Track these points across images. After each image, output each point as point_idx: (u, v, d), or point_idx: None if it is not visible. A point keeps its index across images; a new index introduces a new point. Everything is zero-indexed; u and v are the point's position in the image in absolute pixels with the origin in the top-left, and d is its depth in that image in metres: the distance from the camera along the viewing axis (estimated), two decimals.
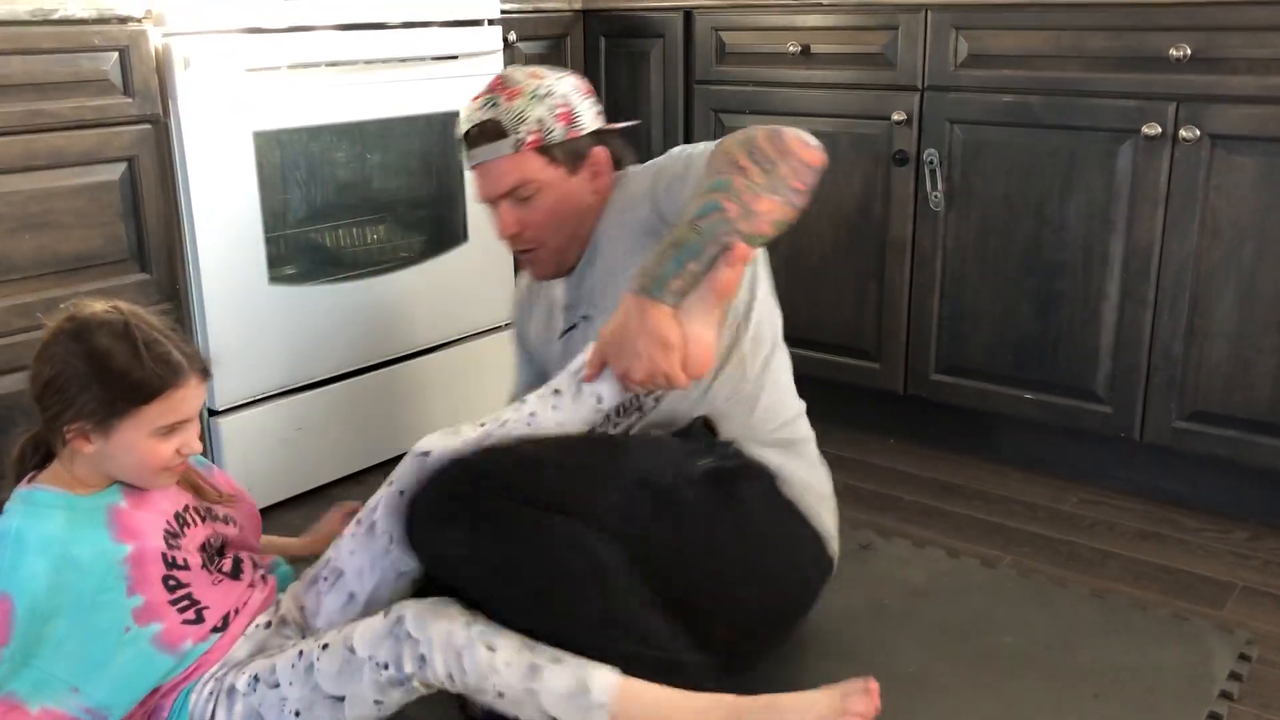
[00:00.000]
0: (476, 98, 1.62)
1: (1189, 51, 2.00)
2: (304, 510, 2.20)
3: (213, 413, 2.14)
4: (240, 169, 2.09)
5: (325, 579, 1.43)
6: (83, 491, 1.33)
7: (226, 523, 1.48)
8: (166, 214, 2.01)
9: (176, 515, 1.39)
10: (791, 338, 2.68)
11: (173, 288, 2.05)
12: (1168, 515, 2.18)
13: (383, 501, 1.40)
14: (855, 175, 2.44)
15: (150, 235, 2.00)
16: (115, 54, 1.89)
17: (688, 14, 2.63)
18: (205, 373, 1.35)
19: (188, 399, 1.32)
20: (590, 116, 1.62)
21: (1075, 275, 2.22)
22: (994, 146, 2.26)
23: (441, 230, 2.53)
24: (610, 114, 2.84)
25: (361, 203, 2.37)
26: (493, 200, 1.62)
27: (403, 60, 2.34)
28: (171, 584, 1.34)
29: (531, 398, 1.43)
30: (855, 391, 2.55)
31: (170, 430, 1.31)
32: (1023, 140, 2.23)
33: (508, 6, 2.57)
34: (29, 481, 1.35)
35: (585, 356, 1.43)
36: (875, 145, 2.40)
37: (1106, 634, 1.74)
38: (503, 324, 2.65)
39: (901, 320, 2.45)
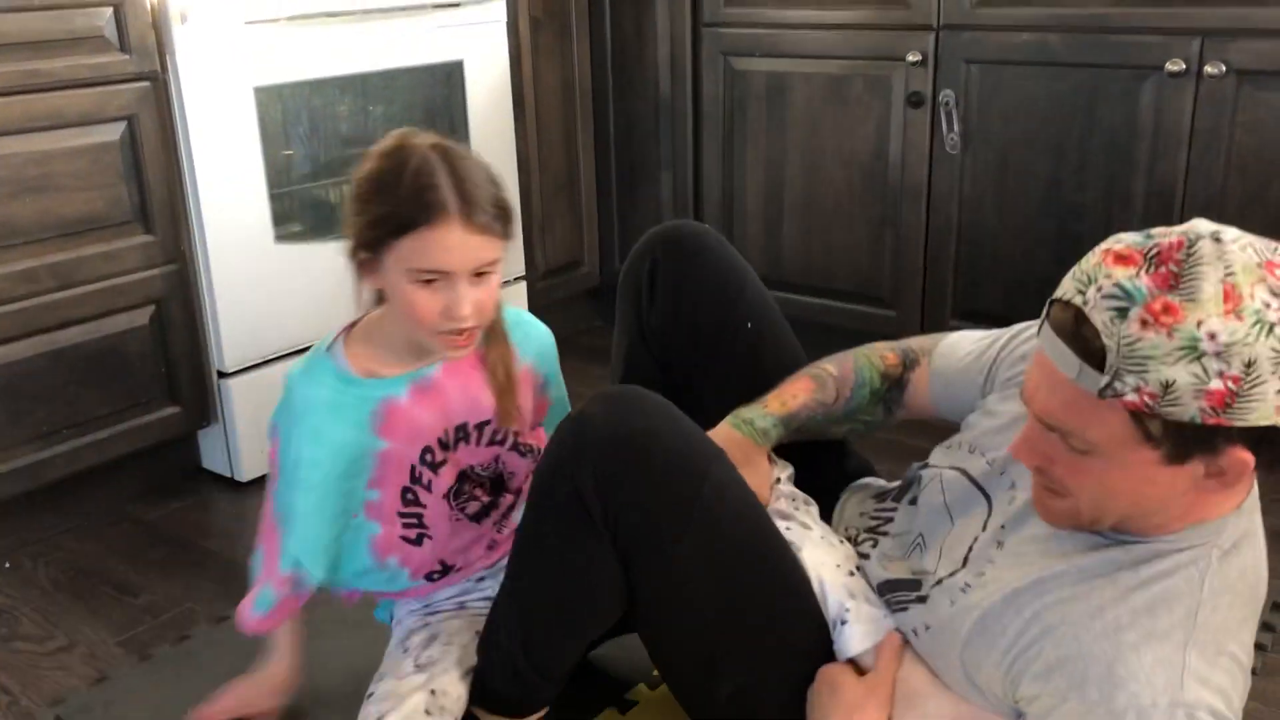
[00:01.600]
0: (1128, 260, 0.94)
1: None
2: None
3: (221, 374, 2.12)
4: (242, 125, 2.04)
5: None
6: (372, 371, 1.28)
7: (524, 455, 1.38)
8: (168, 174, 1.97)
9: (459, 427, 1.31)
10: (805, 285, 2.67)
11: (177, 249, 2.01)
12: None
13: None
14: (869, 118, 2.39)
15: (153, 195, 1.96)
16: (110, 9, 1.84)
17: None
18: (483, 225, 1.18)
19: (444, 246, 1.17)
20: (1270, 403, 0.91)
21: (1096, 217, 2.17)
22: (1011, 86, 2.20)
23: None
24: (617, 57, 2.79)
25: None
26: (1028, 407, 1.04)
27: (404, 9, 2.28)
28: (409, 497, 1.32)
29: None
30: (870, 338, 2.51)
31: (429, 281, 1.19)
32: (1041, 79, 2.17)
33: None
34: (345, 331, 1.32)
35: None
36: (889, 87, 2.34)
37: None
38: (513, 277, 2.61)
39: (918, 266, 2.41)
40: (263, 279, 2.13)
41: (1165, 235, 0.94)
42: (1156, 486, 0.98)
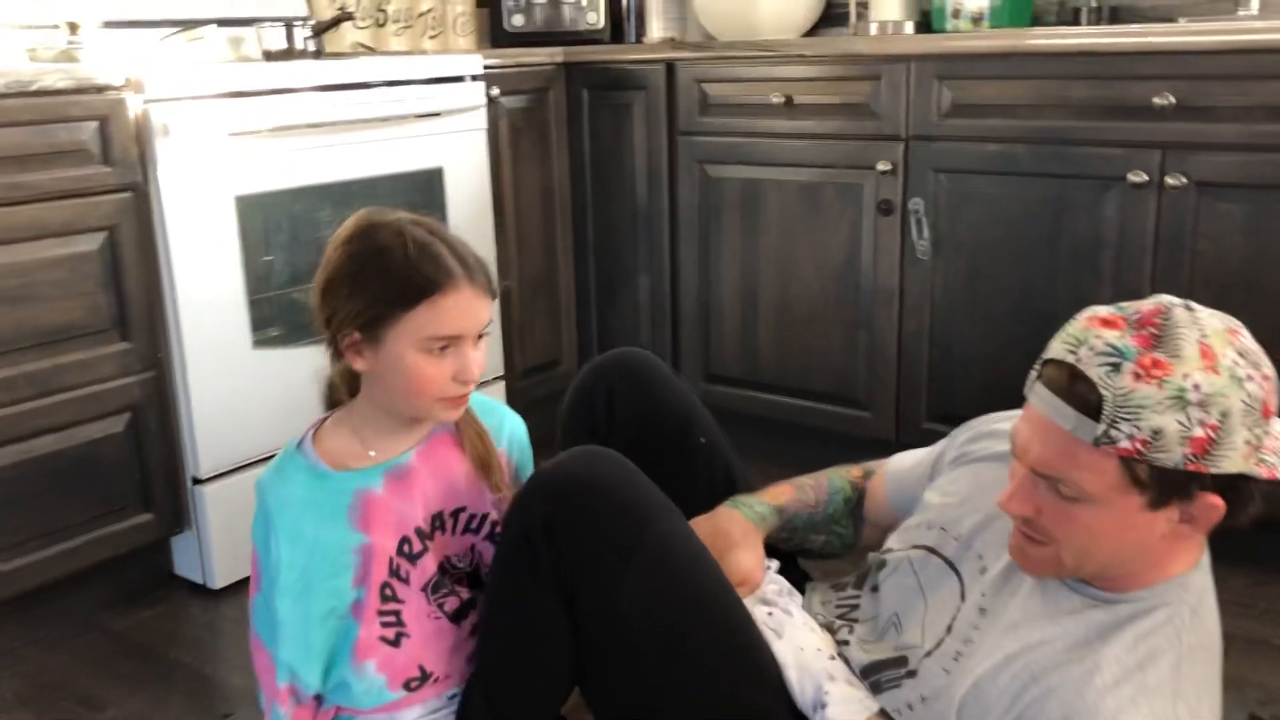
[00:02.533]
0: (1113, 324, 1.06)
1: (1173, 100, 2.00)
2: None
3: (196, 480, 2.11)
4: (223, 233, 2.07)
5: None
6: (345, 463, 1.27)
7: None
8: (148, 282, 1.99)
9: (435, 516, 1.31)
10: (781, 386, 2.68)
11: (154, 356, 2.02)
12: None
13: None
14: (842, 224, 2.43)
15: (132, 304, 1.97)
16: (94, 123, 1.87)
17: (670, 65, 2.63)
18: (483, 287, 1.22)
19: (460, 310, 1.19)
20: (1239, 451, 1.03)
21: (1064, 321, 2.20)
22: (980, 195, 2.26)
23: None
24: (595, 165, 2.85)
25: None
26: (1020, 460, 1.12)
27: (385, 119, 2.32)
28: (387, 593, 1.28)
29: None
30: (846, 440, 2.52)
31: (442, 348, 1.20)
32: (1009, 189, 2.22)
33: (490, 62, 2.56)
34: (313, 429, 1.31)
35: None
36: (860, 195, 2.39)
37: None
38: (492, 377, 2.63)
39: (892, 369, 2.44)
40: (240, 384, 2.13)
41: (1138, 305, 1.07)
42: (1136, 531, 1.07)
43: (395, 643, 1.30)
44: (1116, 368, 1.02)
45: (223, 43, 2.61)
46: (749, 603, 1.30)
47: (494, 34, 3.09)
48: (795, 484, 1.49)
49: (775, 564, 1.42)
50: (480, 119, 2.52)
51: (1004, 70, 2.18)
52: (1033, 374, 1.11)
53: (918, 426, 2.42)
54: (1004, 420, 1.38)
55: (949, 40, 2.28)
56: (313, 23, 2.66)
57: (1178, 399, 1.01)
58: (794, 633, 1.28)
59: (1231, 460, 1.02)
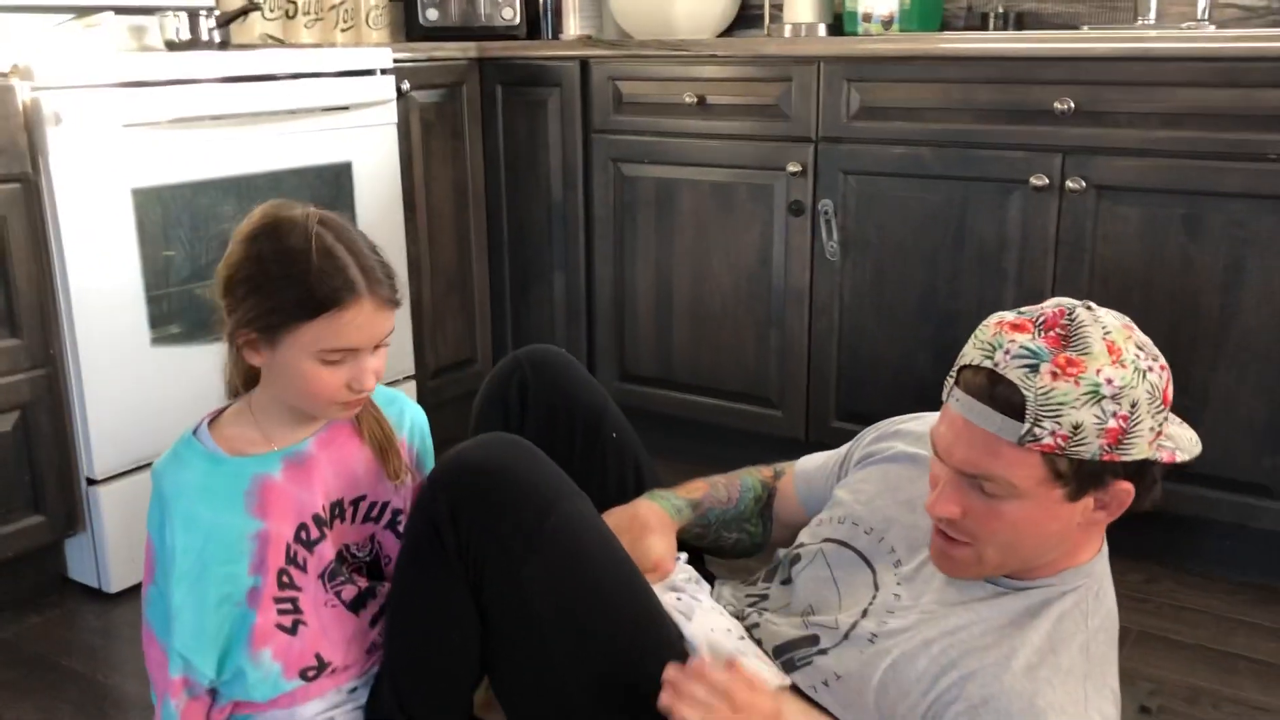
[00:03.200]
0: (1022, 328, 1.10)
1: (1073, 105, 2.04)
2: None
3: (91, 481, 2.05)
4: (118, 227, 2.01)
5: None
6: (242, 449, 1.25)
7: (400, 536, 1.33)
8: (38, 276, 1.92)
9: (334, 504, 1.29)
10: (695, 385, 2.69)
11: (46, 353, 1.95)
12: None
13: None
14: (754, 225, 2.44)
15: (20, 298, 1.90)
16: None
17: (584, 63, 2.61)
18: (386, 299, 1.20)
19: (357, 325, 1.17)
20: (1145, 439, 1.10)
21: (969, 323, 2.21)
22: (887, 197, 2.28)
23: None
24: (510, 161, 2.83)
25: None
26: (945, 462, 1.15)
27: (292, 112, 2.28)
28: (284, 580, 1.26)
29: None
30: (757, 439, 2.54)
31: (339, 359, 1.19)
32: (915, 191, 2.25)
33: (400, 56, 2.53)
34: (210, 416, 1.28)
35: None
36: (772, 195, 2.41)
37: None
38: (403, 376, 2.59)
39: (802, 368, 2.45)
40: (137, 382, 2.07)
41: (1040, 308, 1.13)
42: (1058, 523, 1.13)
43: (292, 630, 1.28)
44: (1034, 368, 1.07)
45: (123, 31, 2.54)
46: (658, 589, 1.31)
47: (408, 28, 3.05)
48: (709, 481, 1.53)
49: (684, 555, 1.43)
50: (390, 113, 2.49)
51: (912, 74, 2.21)
52: (950, 380, 1.15)
53: (827, 425, 2.44)
54: (909, 421, 1.42)
55: (859, 43, 2.30)
56: (218, 13, 2.59)
57: (1093, 394, 1.07)
58: (703, 616, 1.30)
59: (1139, 447, 1.09)
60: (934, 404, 2.28)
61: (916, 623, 1.20)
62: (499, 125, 2.77)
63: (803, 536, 1.41)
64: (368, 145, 2.45)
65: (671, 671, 1.15)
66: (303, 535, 1.27)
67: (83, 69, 1.93)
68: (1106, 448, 1.08)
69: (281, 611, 1.27)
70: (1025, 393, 1.07)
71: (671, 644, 1.24)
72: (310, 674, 1.30)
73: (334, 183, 2.40)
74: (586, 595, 1.22)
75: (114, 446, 2.06)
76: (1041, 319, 1.11)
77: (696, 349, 2.60)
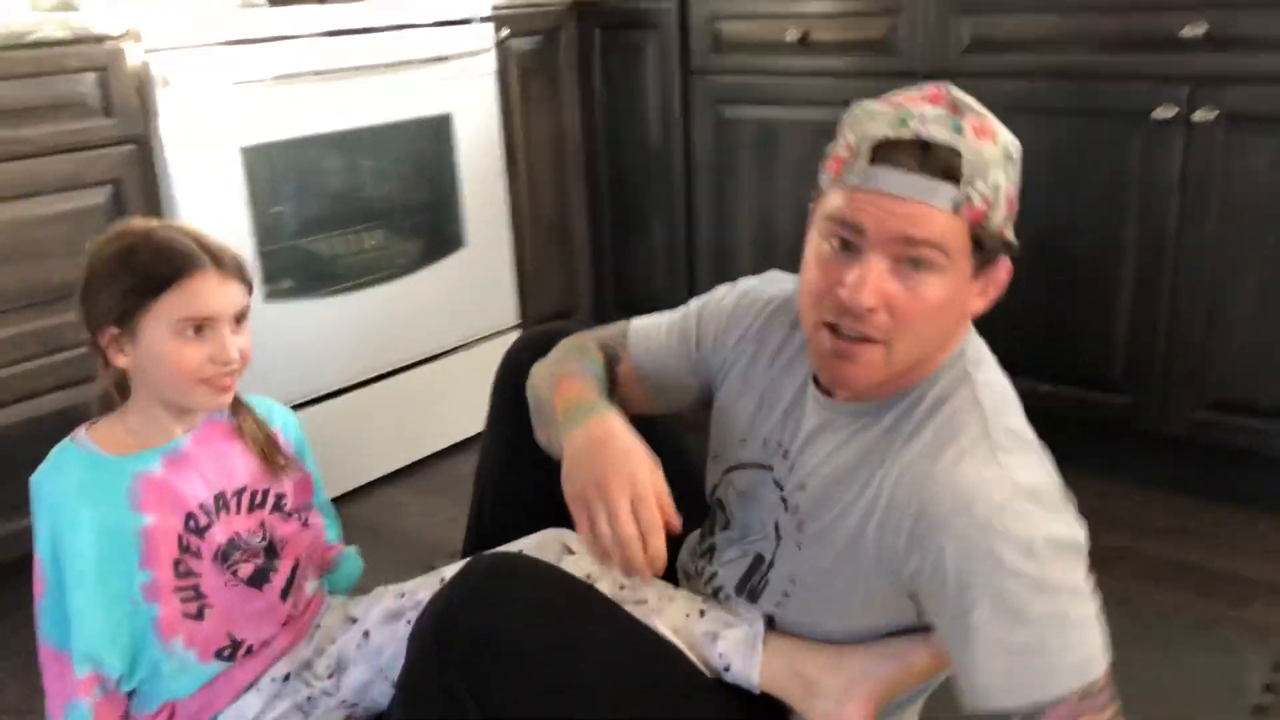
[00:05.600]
0: (922, 100, 1.05)
1: (1204, 30, 1.93)
2: None
3: None
4: (229, 185, 2.04)
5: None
6: (121, 450, 1.29)
7: (289, 518, 1.40)
8: None
9: (218, 497, 1.33)
10: None
11: None
12: (1189, 510, 2.13)
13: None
14: None
15: None
16: (93, 75, 1.84)
17: (683, 3, 2.56)
18: (232, 273, 1.29)
19: (208, 291, 1.26)
20: (1012, 219, 1.09)
21: (1088, 264, 2.16)
22: None
23: (439, 235, 2.48)
24: (608, 107, 2.79)
25: (356, 212, 2.32)
26: (878, 241, 1.04)
27: (391, 65, 2.28)
28: (181, 569, 1.29)
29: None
30: None
31: (197, 331, 1.26)
32: (1030, 127, 2.12)
33: (498, 2, 2.51)
34: (86, 426, 1.32)
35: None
36: None
37: (1129, 644, 1.69)
38: (507, 327, 2.60)
39: None
40: (252, 337, 2.11)
41: (914, 90, 1.07)
42: (960, 306, 1.07)
43: (198, 615, 1.31)
44: (959, 129, 1.02)
45: None
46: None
47: None
48: (580, 376, 1.28)
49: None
50: (489, 62, 2.47)
51: (1027, 3, 2.11)
52: (860, 162, 1.04)
53: None
54: (773, 285, 1.32)
55: None
56: None
57: (1007, 155, 1.05)
58: (662, 619, 1.22)
59: (1011, 227, 1.07)
60: (1052, 347, 2.21)
61: (831, 489, 1.14)
62: (596, 70, 2.74)
63: (711, 475, 1.32)
64: (468, 95, 2.45)
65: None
66: (191, 524, 1.30)
67: (189, 29, 1.95)
68: (1008, 216, 1.06)
69: (185, 600, 1.30)
70: (963, 151, 1.01)
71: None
72: (225, 653, 1.32)
73: (434, 135, 2.40)
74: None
75: None
76: (925, 94, 1.05)
77: None
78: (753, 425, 1.26)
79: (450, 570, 1.32)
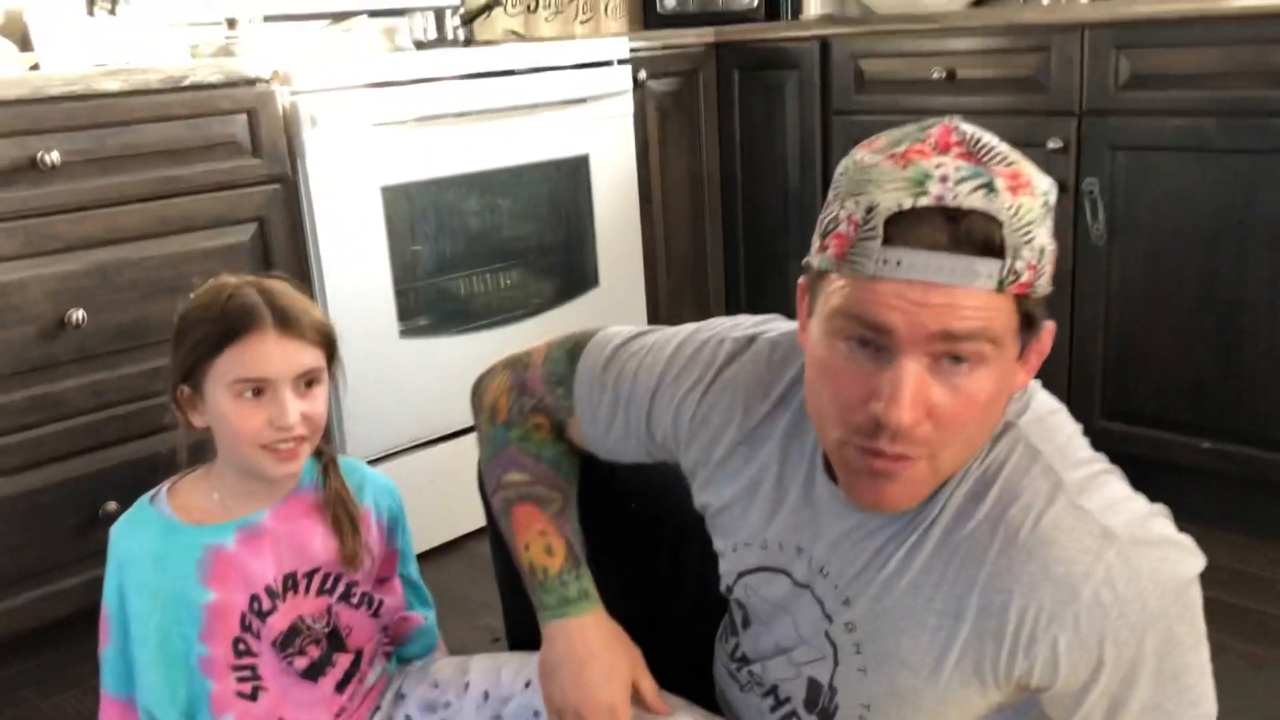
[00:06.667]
0: (924, 153, 0.84)
1: None
2: (437, 564, 2.17)
3: None
4: (369, 223, 2.08)
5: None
6: (199, 518, 1.27)
7: (359, 605, 1.33)
8: (298, 272, 2.02)
9: (288, 576, 1.28)
10: None
11: None
12: None
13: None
14: None
15: None
16: (244, 116, 1.90)
17: (824, 43, 2.52)
18: (296, 333, 1.21)
19: (264, 353, 1.20)
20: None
21: (1259, 313, 2.01)
22: (1162, 174, 2.07)
23: (573, 275, 2.48)
24: (746, 147, 2.76)
25: (492, 251, 2.34)
26: (911, 342, 0.84)
27: (531, 107, 2.30)
28: (240, 648, 1.27)
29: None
30: None
31: (256, 393, 1.20)
32: (1195, 166, 2.03)
33: (636, 44, 2.51)
34: (170, 483, 1.31)
35: None
36: None
37: None
38: None
39: (1063, 363, 2.27)
40: (388, 373, 2.15)
41: (918, 131, 0.87)
42: (1006, 391, 0.89)
43: (253, 696, 1.27)
44: (992, 188, 0.81)
45: (376, 34, 2.64)
46: None
47: (646, 17, 3.05)
48: (534, 499, 1.19)
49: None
50: (627, 104, 2.47)
51: (1190, 36, 1.99)
52: (872, 244, 0.84)
53: (1092, 425, 2.25)
54: (750, 347, 1.15)
55: (1129, 6, 2.10)
56: (462, 11, 2.66)
57: (1045, 205, 0.85)
58: None
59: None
60: (1216, 401, 2.06)
61: (876, 599, 0.97)
62: (735, 111, 2.71)
63: (725, 565, 1.13)
64: (605, 137, 2.45)
65: None
66: (255, 606, 1.26)
67: (335, 72, 2.00)
68: (1050, 277, 0.86)
69: (241, 679, 1.26)
70: (1000, 217, 0.81)
71: None
72: None
73: (572, 176, 2.41)
74: None
75: (366, 435, 2.14)
76: (932, 140, 0.85)
77: None
78: (756, 529, 1.07)
79: (478, 663, 1.34)
